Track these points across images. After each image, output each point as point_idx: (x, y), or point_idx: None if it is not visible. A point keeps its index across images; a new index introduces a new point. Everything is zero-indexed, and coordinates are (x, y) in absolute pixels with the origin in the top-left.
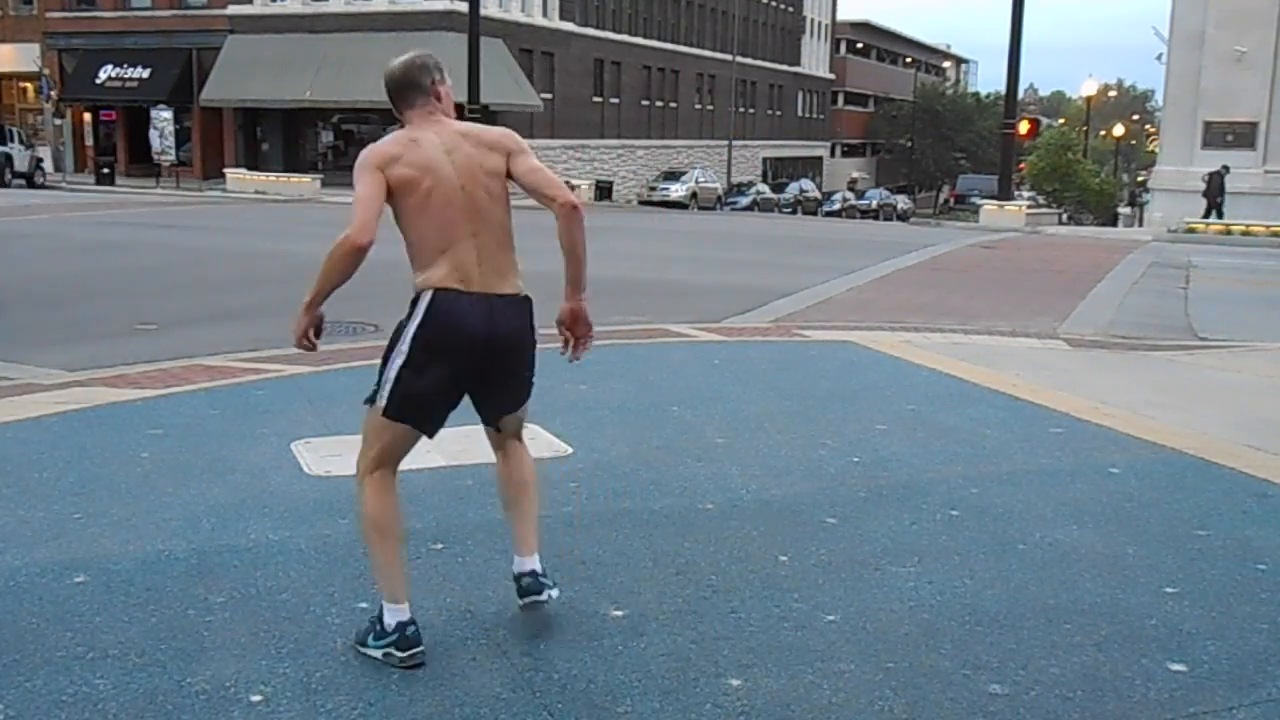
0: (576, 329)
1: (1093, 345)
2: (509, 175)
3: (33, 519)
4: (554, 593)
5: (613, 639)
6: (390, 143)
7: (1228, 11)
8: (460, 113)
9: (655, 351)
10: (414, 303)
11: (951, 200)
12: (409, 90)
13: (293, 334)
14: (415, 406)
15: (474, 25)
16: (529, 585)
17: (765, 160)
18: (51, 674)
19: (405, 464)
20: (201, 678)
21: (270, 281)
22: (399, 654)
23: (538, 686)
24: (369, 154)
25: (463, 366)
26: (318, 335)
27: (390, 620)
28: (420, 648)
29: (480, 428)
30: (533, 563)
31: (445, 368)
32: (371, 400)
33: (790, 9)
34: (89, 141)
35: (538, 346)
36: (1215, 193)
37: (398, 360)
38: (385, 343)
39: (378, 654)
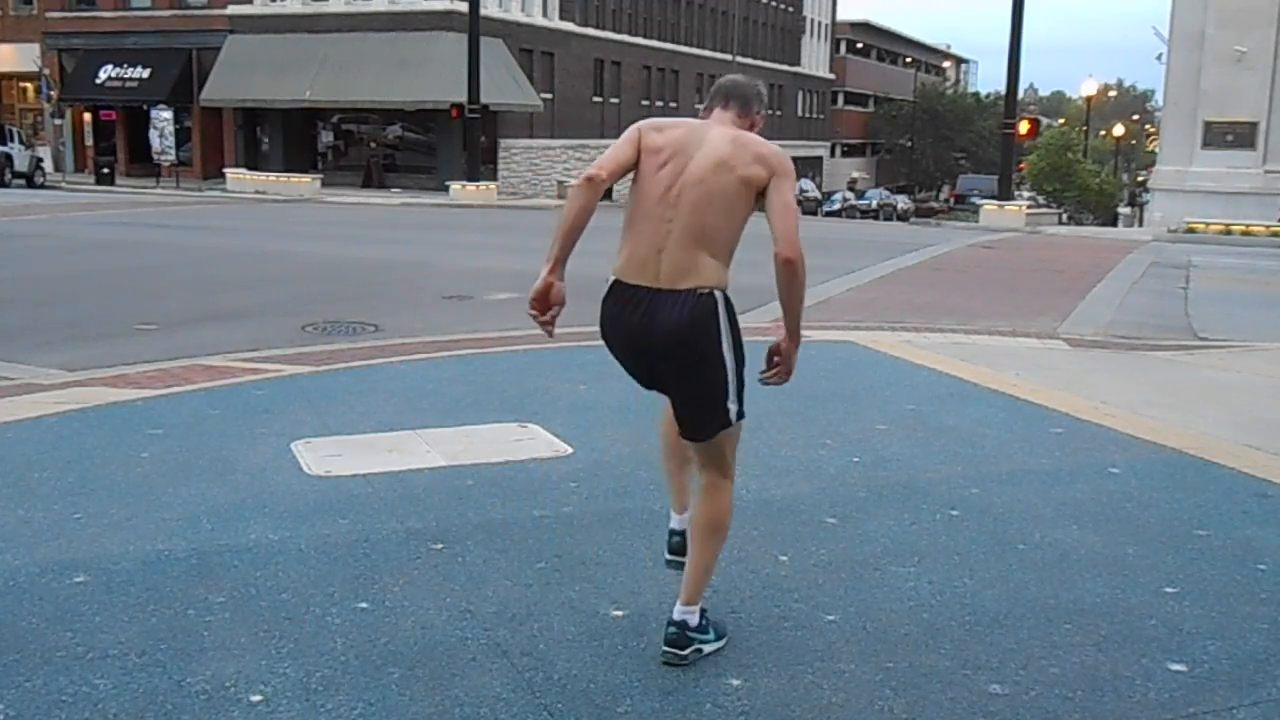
0: (776, 369)
1: (1093, 345)
2: (760, 194)
3: (33, 519)
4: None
5: (613, 639)
6: (666, 119)
7: (1228, 11)
8: (460, 113)
9: None
10: None
11: (951, 200)
12: (734, 100)
13: (529, 301)
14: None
15: (474, 25)
16: (673, 637)
17: None
18: (51, 674)
19: (406, 464)
20: (201, 678)
21: (270, 281)
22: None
23: (538, 686)
24: (644, 121)
25: (627, 357)
26: (551, 308)
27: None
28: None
29: (480, 428)
30: (685, 613)
31: (623, 357)
32: None
33: (790, 9)
34: (89, 141)
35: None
36: None
37: None
38: (385, 343)
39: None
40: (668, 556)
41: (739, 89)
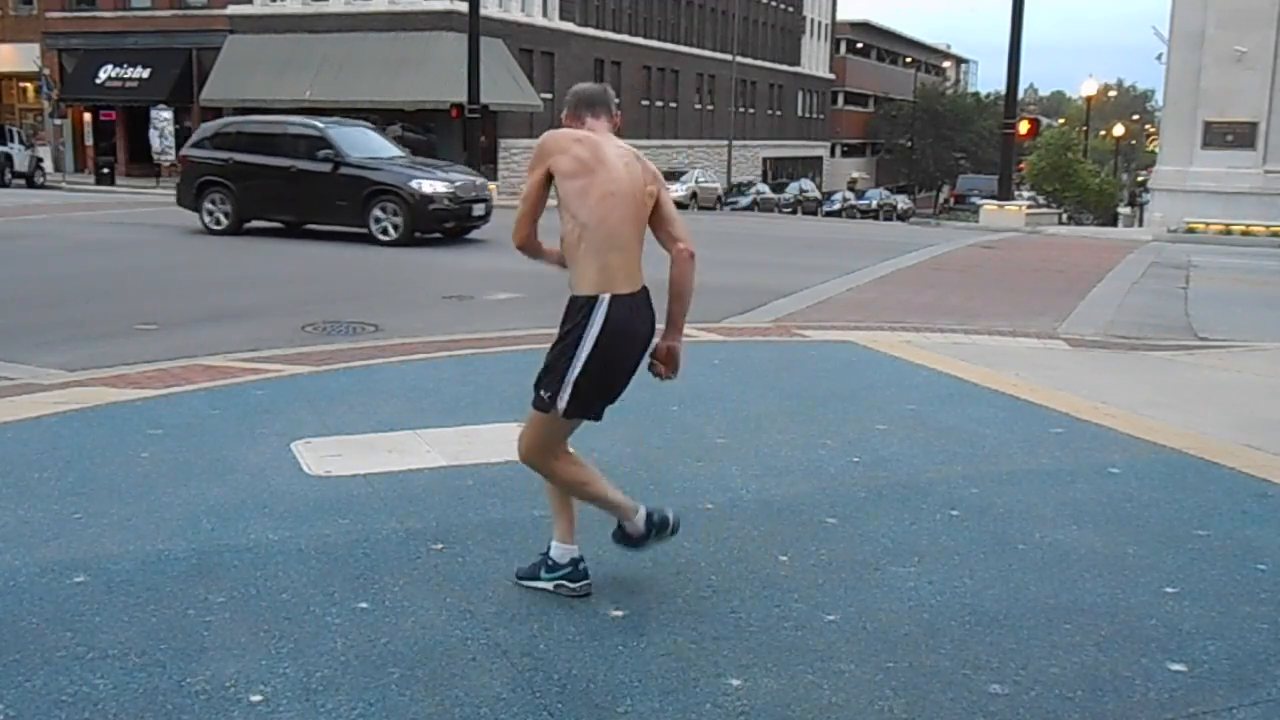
0: (668, 366)
1: (1093, 345)
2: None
3: (33, 519)
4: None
5: (613, 639)
6: (567, 134)
7: (1228, 11)
8: (460, 113)
9: None
10: (588, 305)
11: (951, 200)
12: (600, 105)
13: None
14: (589, 406)
15: (474, 25)
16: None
17: (765, 160)
18: (51, 674)
19: (406, 464)
20: (201, 678)
21: (270, 281)
22: (570, 585)
23: (538, 686)
24: (544, 142)
25: (632, 365)
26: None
27: (562, 558)
28: (588, 581)
29: (480, 428)
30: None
31: (619, 369)
32: (544, 404)
33: (790, 9)
34: (89, 141)
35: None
36: None
37: (576, 367)
38: (385, 343)
39: (549, 585)
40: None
41: (603, 97)
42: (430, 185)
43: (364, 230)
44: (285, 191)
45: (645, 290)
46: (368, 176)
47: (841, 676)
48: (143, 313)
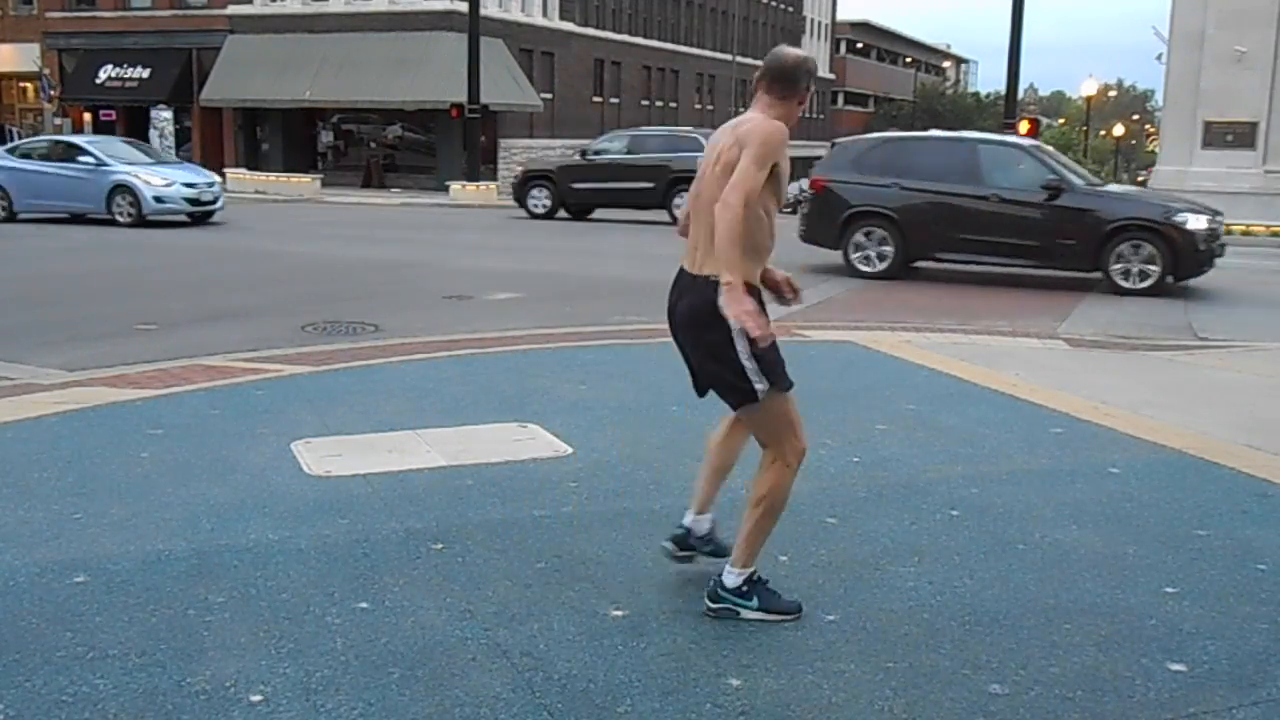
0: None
1: (1093, 345)
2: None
3: (33, 519)
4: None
5: (613, 639)
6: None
7: (1228, 11)
8: (460, 113)
9: (655, 352)
10: None
11: None
12: (778, 83)
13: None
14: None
15: (474, 25)
16: (710, 590)
17: None
18: (51, 674)
19: (406, 464)
20: (201, 678)
21: (270, 281)
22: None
23: (538, 686)
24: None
25: (673, 333)
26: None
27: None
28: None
29: (480, 428)
30: (728, 572)
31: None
32: None
33: (790, 9)
34: None
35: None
36: None
37: None
38: (385, 343)
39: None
40: (662, 542)
41: (772, 67)
42: (1195, 220)
43: (1097, 275)
44: (978, 227)
45: (699, 277)
46: (1104, 209)
47: (841, 676)
48: (143, 313)
